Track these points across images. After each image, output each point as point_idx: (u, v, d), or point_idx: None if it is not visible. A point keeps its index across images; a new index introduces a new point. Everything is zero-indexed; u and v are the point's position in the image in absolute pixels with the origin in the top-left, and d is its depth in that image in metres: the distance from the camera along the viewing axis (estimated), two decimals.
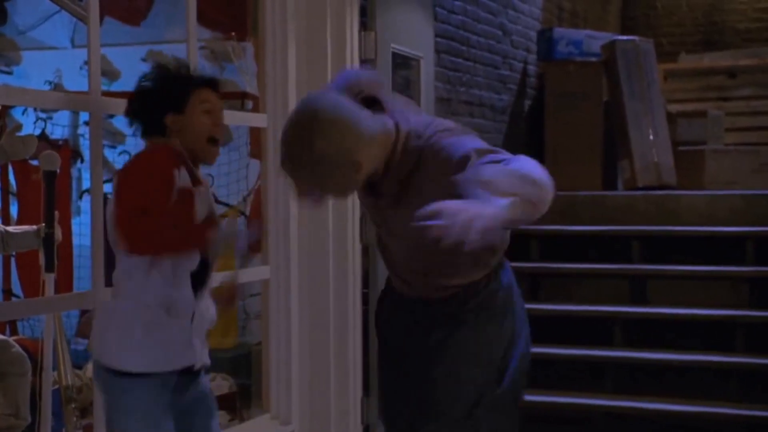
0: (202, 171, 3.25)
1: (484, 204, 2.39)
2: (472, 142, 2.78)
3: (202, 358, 3.18)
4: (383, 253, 3.14)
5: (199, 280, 3.10)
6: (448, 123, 2.96)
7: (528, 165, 2.58)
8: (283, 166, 2.82)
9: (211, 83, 3.16)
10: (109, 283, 3.50)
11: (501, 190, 2.42)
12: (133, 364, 3.02)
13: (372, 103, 2.90)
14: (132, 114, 3.14)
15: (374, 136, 2.78)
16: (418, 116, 2.96)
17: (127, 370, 3.02)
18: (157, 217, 2.85)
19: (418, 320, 3.07)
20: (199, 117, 3.07)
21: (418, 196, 2.77)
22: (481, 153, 2.68)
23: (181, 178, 2.99)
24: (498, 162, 2.61)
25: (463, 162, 2.66)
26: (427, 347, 3.03)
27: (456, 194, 2.61)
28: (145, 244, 2.88)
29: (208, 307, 3.18)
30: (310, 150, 2.71)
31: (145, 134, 3.13)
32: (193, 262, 3.05)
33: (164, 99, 3.08)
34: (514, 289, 3.12)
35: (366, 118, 2.78)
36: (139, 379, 3.02)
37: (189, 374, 3.15)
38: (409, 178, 2.81)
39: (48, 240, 4.37)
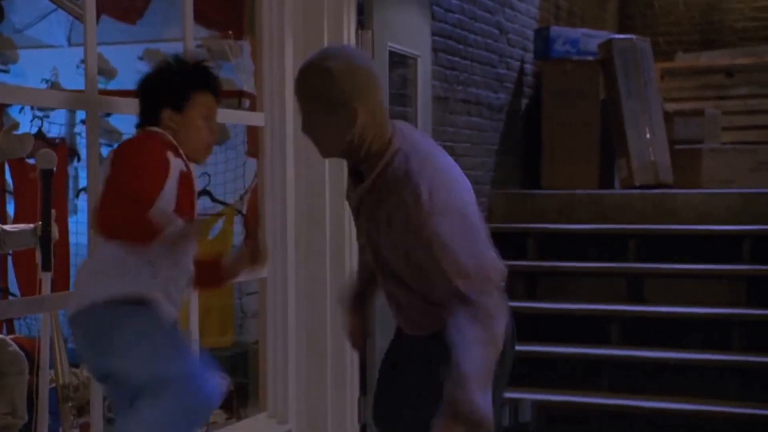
0: (198, 170, 3.26)
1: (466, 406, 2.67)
2: (443, 214, 2.74)
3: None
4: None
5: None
6: (434, 162, 2.89)
7: (492, 307, 2.75)
8: (295, 84, 2.86)
9: (213, 87, 3.16)
10: None
11: (474, 372, 2.67)
12: (143, 291, 2.97)
13: None
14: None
15: (380, 112, 2.81)
16: (415, 142, 2.93)
17: (139, 295, 2.96)
18: (140, 208, 2.83)
19: (413, 358, 3.05)
20: (197, 122, 3.09)
21: (390, 229, 2.80)
22: (466, 275, 2.73)
23: (177, 162, 3.01)
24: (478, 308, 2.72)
25: (451, 272, 2.73)
26: (419, 386, 3.01)
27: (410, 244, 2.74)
28: (120, 231, 2.86)
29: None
30: (326, 74, 2.75)
31: (140, 125, 3.14)
32: (193, 246, 3.07)
33: (163, 94, 3.08)
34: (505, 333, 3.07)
35: (384, 95, 2.86)
36: (144, 306, 2.97)
37: None
38: (382, 196, 2.80)
39: (45, 238, 4.37)
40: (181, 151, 3.07)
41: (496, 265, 2.78)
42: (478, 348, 2.69)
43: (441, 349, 2.85)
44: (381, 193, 2.82)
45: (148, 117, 3.12)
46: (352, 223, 4.93)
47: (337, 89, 2.75)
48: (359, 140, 2.80)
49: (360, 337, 3.34)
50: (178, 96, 3.08)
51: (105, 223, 2.85)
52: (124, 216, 2.83)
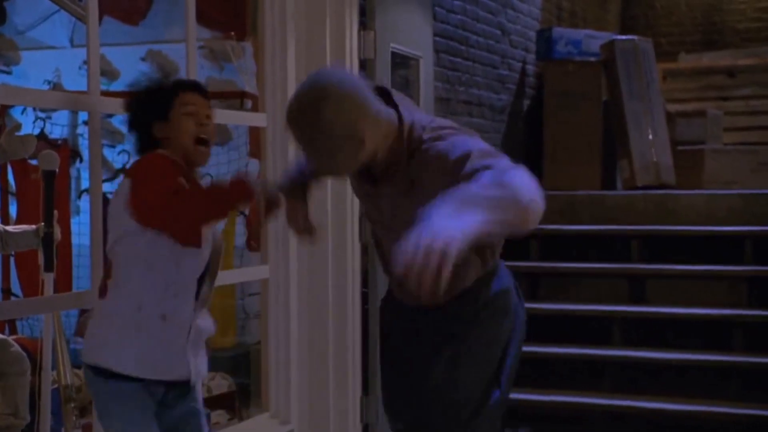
0: (200, 170, 3.26)
1: (448, 219, 2.26)
2: (473, 142, 2.77)
3: (199, 372, 3.19)
4: (382, 258, 3.13)
5: (195, 292, 3.12)
6: (449, 122, 2.96)
7: (520, 180, 2.48)
8: (290, 130, 2.80)
9: (194, 86, 3.19)
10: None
11: (479, 208, 2.32)
12: (122, 366, 3.02)
13: (380, 94, 2.91)
14: (129, 130, 3.21)
15: (380, 119, 2.79)
16: (420, 112, 2.97)
17: (115, 370, 3.02)
18: (188, 193, 2.94)
19: (418, 328, 3.06)
20: (183, 120, 3.10)
21: (422, 193, 2.78)
22: (481, 154, 2.67)
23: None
24: (490, 168, 2.57)
25: (462, 160, 2.66)
26: (427, 353, 3.02)
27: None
28: (186, 222, 2.95)
29: (205, 321, 3.20)
30: (317, 119, 2.71)
31: (140, 149, 3.18)
32: (195, 271, 3.08)
33: (149, 110, 3.13)
34: (511, 292, 3.10)
35: (374, 100, 2.79)
36: (125, 382, 3.03)
37: (181, 387, 3.16)
38: (413, 170, 2.81)
39: (47, 239, 4.37)
40: (184, 168, 3.09)
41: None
42: (485, 191, 2.38)
43: (436, 348, 2.89)
44: (410, 169, 2.80)
45: (144, 140, 3.15)
46: (355, 223, 4.98)
47: (338, 127, 2.70)
48: (371, 154, 2.80)
49: (303, 221, 3.18)
50: (161, 106, 3.11)
51: (148, 210, 2.95)
52: (182, 207, 2.93)
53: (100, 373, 3.05)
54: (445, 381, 2.99)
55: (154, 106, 3.12)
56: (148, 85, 3.18)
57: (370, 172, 2.92)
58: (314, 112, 2.70)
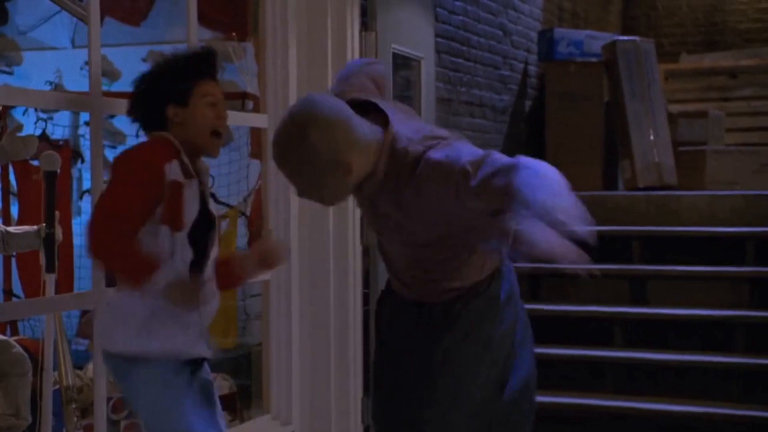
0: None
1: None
2: (465, 152, 2.75)
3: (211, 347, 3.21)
4: (383, 256, 3.14)
5: (195, 269, 3.07)
6: (439, 131, 2.94)
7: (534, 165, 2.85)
8: (276, 162, 2.80)
9: (213, 74, 3.12)
10: (109, 283, 3.51)
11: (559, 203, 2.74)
12: (147, 349, 3.00)
13: (365, 104, 2.90)
14: (133, 110, 3.13)
15: (367, 144, 2.77)
16: (409, 121, 2.95)
17: (141, 354, 3.00)
18: (123, 231, 2.88)
19: (419, 323, 3.06)
20: (203, 110, 3.04)
21: (414, 207, 2.78)
22: (475, 164, 2.67)
23: (172, 171, 2.97)
24: (499, 170, 2.64)
25: (459, 177, 2.66)
26: (428, 349, 3.03)
27: (453, 209, 2.70)
28: (98, 252, 2.91)
29: (210, 297, 3.15)
30: (304, 146, 2.70)
31: (145, 128, 3.12)
32: (187, 253, 3.04)
33: (166, 92, 3.04)
34: (515, 297, 3.11)
35: (361, 125, 2.78)
36: (151, 364, 3.01)
37: (197, 363, 3.15)
38: (401, 185, 2.80)
39: (49, 240, 4.37)
40: (183, 156, 3.02)
41: None
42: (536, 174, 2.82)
43: (437, 343, 2.90)
44: (397, 180, 2.80)
45: (153, 119, 3.08)
46: (356, 225, 4.98)
47: (324, 156, 2.70)
48: (359, 177, 2.80)
49: None
50: (181, 91, 3.03)
51: (95, 250, 2.91)
52: (114, 246, 2.89)
53: (125, 358, 3.03)
54: (446, 373, 2.99)
55: (172, 88, 3.04)
56: (166, 66, 3.10)
57: (364, 188, 2.90)
58: (300, 141, 2.70)
